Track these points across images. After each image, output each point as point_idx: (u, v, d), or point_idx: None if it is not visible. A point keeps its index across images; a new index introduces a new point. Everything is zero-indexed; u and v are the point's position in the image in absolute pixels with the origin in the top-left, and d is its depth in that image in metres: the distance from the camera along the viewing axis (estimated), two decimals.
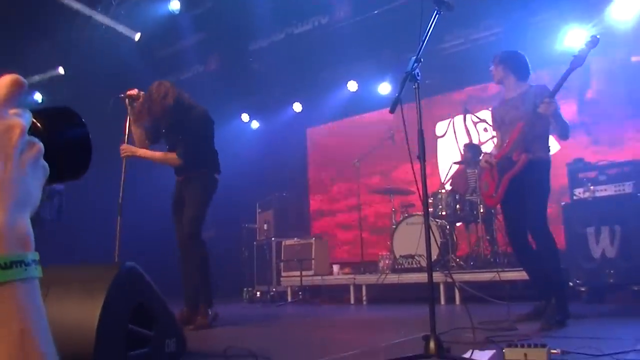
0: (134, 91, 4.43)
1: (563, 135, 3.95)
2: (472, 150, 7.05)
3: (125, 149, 4.41)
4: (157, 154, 4.58)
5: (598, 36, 3.70)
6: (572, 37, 6.72)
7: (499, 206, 4.61)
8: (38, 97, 9.32)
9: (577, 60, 3.70)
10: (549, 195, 3.94)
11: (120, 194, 4.18)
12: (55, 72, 8.51)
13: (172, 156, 4.52)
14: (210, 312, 4.41)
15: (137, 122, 4.54)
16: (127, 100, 4.41)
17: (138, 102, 4.44)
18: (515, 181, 3.95)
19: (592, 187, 5.16)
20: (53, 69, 8.45)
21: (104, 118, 4.33)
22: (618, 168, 5.25)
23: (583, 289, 5.07)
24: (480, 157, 4.33)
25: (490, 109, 4.40)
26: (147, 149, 4.59)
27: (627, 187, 5.04)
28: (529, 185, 3.90)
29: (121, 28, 7.80)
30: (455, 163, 7.11)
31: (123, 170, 4.29)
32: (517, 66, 4.10)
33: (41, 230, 5.99)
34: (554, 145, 6.01)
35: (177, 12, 7.88)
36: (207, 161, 4.66)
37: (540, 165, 3.93)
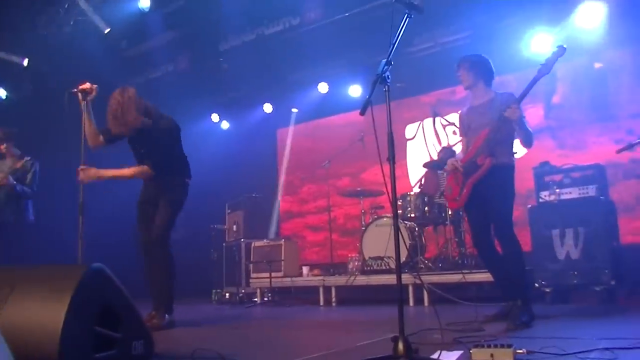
0: (87, 85, 4.31)
1: (527, 142, 4.01)
2: (448, 153, 7.11)
3: (90, 174, 4.24)
4: (129, 171, 4.46)
5: (565, 45, 3.76)
6: (539, 42, 6.86)
7: None
8: (2, 92, 9.11)
9: (544, 69, 3.77)
10: (514, 199, 4.01)
11: (81, 193, 4.09)
12: (20, 61, 8.29)
13: (145, 169, 4.44)
14: (167, 317, 4.37)
15: (114, 131, 4.38)
16: (80, 94, 4.31)
17: (106, 102, 4.34)
18: (479, 185, 4.01)
19: (557, 190, 5.27)
20: (18, 58, 8.23)
21: (64, 114, 4.23)
22: (582, 172, 5.37)
23: (548, 290, 5.16)
24: (447, 162, 4.37)
25: (458, 113, 4.45)
26: (99, 145, 4.50)
27: (591, 190, 5.16)
28: (493, 190, 3.95)
29: (95, 18, 7.65)
30: (424, 165, 7.17)
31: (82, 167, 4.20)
32: (486, 72, 4.15)
33: (13, 233, 5.88)
34: (520, 149, 6.11)
35: (147, 10, 7.76)
36: (178, 168, 4.64)
37: (504, 170, 4.00)
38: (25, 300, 2.27)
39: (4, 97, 9.13)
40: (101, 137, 4.53)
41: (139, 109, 4.32)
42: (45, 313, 2.17)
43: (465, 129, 4.28)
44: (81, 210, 4.07)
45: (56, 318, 2.13)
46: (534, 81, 3.80)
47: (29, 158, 6.05)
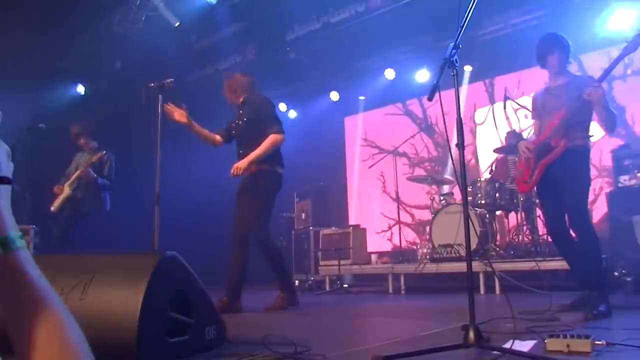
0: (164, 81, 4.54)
1: (610, 127, 3.79)
2: (514, 137, 6.91)
3: (242, 165, 4.62)
4: (266, 145, 4.68)
5: None
6: (618, 18, 6.50)
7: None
8: (81, 89, 9.53)
9: (631, 46, 3.52)
10: (589, 185, 3.82)
11: (157, 184, 4.24)
12: (173, 21, 8.53)
13: (273, 137, 4.70)
14: (288, 299, 4.78)
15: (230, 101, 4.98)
16: (156, 89, 4.51)
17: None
18: (552, 168, 3.85)
19: (638, 174, 5.01)
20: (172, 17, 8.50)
21: (140, 108, 4.41)
22: None
23: (629, 279, 4.94)
24: (518, 144, 4.22)
25: (532, 95, 4.28)
26: (219, 144, 4.96)
27: None
28: (566, 174, 3.78)
29: (166, 12, 7.86)
30: (495, 150, 6.98)
31: (157, 159, 4.34)
32: (569, 54, 3.97)
33: (91, 223, 6.18)
34: (598, 131, 5.83)
35: (214, 3, 7.90)
36: (274, 158, 4.83)
37: (579, 154, 3.81)
38: (105, 286, 2.37)
39: (82, 92, 9.57)
40: (218, 137, 4.94)
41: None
42: (124, 299, 2.26)
43: (539, 111, 4.11)
44: (157, 200, 4.22)
45: (134, 303, 2.21)
46: (619, 59, 3.57)
47: (105, 151, 6.30)
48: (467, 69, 8.03)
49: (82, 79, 9.41)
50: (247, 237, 4.66)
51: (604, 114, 3.72)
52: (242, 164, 4.61)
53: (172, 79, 4.49)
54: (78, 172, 6.12)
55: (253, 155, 4.64)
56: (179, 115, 4.60)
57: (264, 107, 4.85)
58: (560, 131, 3.82)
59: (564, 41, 3.96)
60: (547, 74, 4.09)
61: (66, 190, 6.14)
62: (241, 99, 4.96)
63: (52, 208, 6.19)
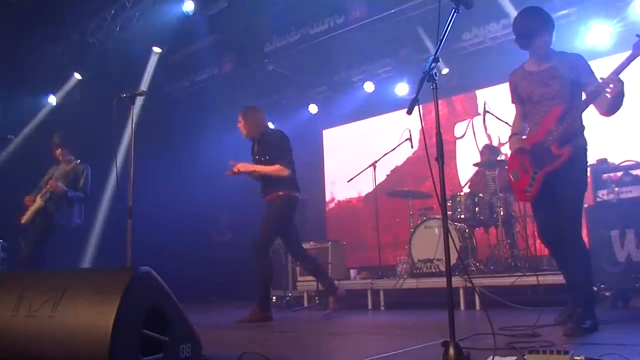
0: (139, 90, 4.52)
1: (615, 110, 3.42)
2: (490, 151, 6.94)
3: (240, 167, 5.18)
4: (271, 169, 5.21)
5: None
6: (595, 34, 6.61)
7: (519, 209, 4.44)
8: (52, 99, 9.35)
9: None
10: (586, 189, 3.60)
11: (129, 197, 4.15)
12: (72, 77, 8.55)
13: (280, 167, 5.15)
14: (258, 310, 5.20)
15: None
16: (128, 100, 4.46)
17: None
18: (552, 175, 3.54)
19: (616, 189, 5.03)
20: (68, 72, 8.46)
21: (112, 119, 4.33)
22: None
23: (608, 294, 4.94)
24: (508, 141, 3.96)
25: (509, 78, 3.92)
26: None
27: None
28: (567, 179, 3.50)
29: None
30: (474, 165, 6.99)
31: (130, 173, 4.25)
32: (553, 30, 3.64)
33: (61, 236, 5.98)
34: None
35: (191, 14, 7.82)
36: (287, 182, 5.25)
37: (580, 155, 3.55)
38: (76, 303, 2.30)
39: (54, 103, 9.39)
40: None
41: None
42: (95, 316, 2.19)
43: (520, 97, 3.80)
44: (129, 214, 4.12)
45: (106, 321, 2.14)
46: (632, 58, 3.23)
47: (80, 162, 6.11)
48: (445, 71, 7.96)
49: (54, 89, 9.25)
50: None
51: (613, 101, 3.36)
52: (243, 168, 5.16)
53: (143, 89, 4.42)
54: (49, 184, 5.90)
55: (256, 167, 5.23)
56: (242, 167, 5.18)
57: (279, 144, 5.26)
58: (560, 134, 3.49)
59: (551, 18, 3.67)
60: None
61: (38, 202, 5.90)
62: (257, 135, 5.34)
63: (22, 220, 5.97)
